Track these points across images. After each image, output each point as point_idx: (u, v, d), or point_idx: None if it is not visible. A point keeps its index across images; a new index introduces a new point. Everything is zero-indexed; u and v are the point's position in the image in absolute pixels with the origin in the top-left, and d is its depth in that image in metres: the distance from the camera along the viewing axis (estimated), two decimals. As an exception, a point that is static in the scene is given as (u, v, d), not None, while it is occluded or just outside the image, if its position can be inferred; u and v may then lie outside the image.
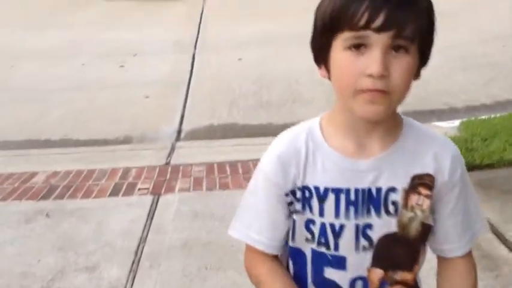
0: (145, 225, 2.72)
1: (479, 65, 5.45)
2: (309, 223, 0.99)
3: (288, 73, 5.48)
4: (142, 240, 2.59)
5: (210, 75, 5.67)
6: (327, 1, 0.90)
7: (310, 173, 0.97)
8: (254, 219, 1.03)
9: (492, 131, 3.60)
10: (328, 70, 0.93)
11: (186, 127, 4.37)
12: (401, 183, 0.96)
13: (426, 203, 0.96)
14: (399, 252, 0.99)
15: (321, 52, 0.93)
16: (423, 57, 0.91)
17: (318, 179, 0.97)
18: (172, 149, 3.78)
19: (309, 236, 1.00)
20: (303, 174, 0.97)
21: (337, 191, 0.96)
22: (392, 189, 0.96)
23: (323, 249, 0.99)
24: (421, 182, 0.96)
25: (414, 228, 0.97)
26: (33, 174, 3.39)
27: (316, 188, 0.97)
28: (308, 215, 0.99)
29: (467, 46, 5.82)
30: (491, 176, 3.07)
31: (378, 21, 0.83)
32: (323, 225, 0.98)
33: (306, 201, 0.98)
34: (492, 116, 4.00)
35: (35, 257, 2.49)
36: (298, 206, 0.99)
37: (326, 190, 0.97)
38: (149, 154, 3.71)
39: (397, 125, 0.98)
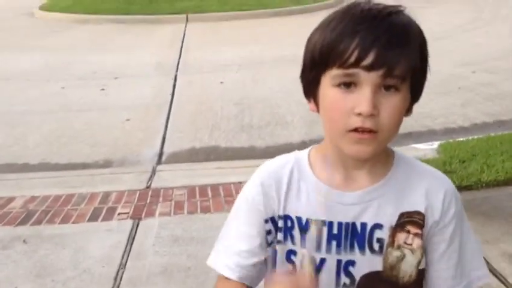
0: (124, 251, 2.67)
1: (456, 89, 5.57)
2: (290, 254, 0.97)
3: (269, 96, 5.52)
4: (122, 266, 2.55)
5: (192, 98, 5.68)
6: (317, 35, 0.88)
7: (293, 202, 0.95)
8: (230, 247, 0.99)
9: (470, 153, 3.66)
10: (317, 104, 0.91)
11: (167, 150, 4.35)
12: (389, 219, 0.92)
13: (416, 242, 0.91)
14: None
15: (310, 87, 0.91)
16: (415, 94, 0.89)
17: (300, 209, 0.94)
18: (153, 172, 3.75)
19: (291, 268, 0.97)
20: (284, 203, 0.95)
21: (319, 223, 0.93)
22: (378, 226, 0.92)
23: None
24: (410, 220, 0.92)
25: (405, 271, 0.92)
26: (11, 199, 3.32)
27: (298, 218, 0.94)
28: (289, 245, 0.96)
29: (445, 70, 5.95)
30: (469, 198, 3.10)
31: (368, 60, 0.81)
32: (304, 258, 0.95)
33: (287, 231, 0.96)
34: (470, 138, 4.07)
35: (12, 284, 2.43)
36: (279, 235, 0.97)
37: (308, 221, 0.94)
38: (130, 178, 3.67)
39: (388, 159, 0.96)
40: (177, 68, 7.02)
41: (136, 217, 3.04)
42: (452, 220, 0.93)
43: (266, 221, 0.96)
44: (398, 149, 1.00)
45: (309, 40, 0.90)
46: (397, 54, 0.82)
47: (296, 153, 1.00)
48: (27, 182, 3.67)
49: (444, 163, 3.49)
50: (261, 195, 0.96)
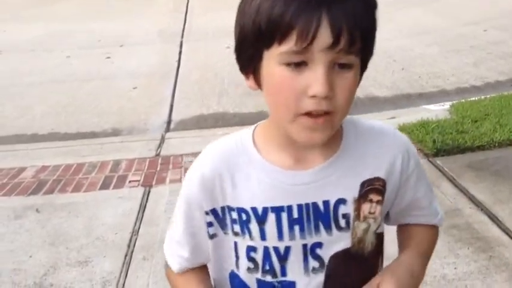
0: (137, 218, 2.69)
1: (468, 47, 5.45)
2: (249, 250, 0.89)
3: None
4: (135, 232, 2.57)
5: (199, 64, 5.62)
6: (257, 3, 0.75)
7: (244, 191, 0.86)
8: (175, 249, 0.94)
9: (482, 112, 3.60)
10: (258, 82, 0.81)
11: (175, 117, 4.33)
12: (351, 192, 0.86)
13: (378, 210, 0.88)
14: (355, 270, 0.89)
15: (249, 63, 0.80)
16: (365, 65, 0.81)
17: (254, 198, 0.86)
18: (162, 139, 3.74)
19: (251, 265, 0.89)
20: (233, 193, 0.86)
21: (277, 210, 0.85)
22: (341, 201, 0.85)
23: (269, 278, 0.89)
24: (371, 188, 0.87)
25: (369, 241, 0.88)
26: (22, 170, 3.34)
27: (253, 209, 0.86)
28: (248, 240, 0.88)
29: (456, 29, 5.81)
30: (482, 158, 3.07)
31: (323, 37, 0.71)
32: (266, 250, 0.87)
33: (244, 225, 0.87)
34: (482, 97, 4.00)
35: (26, 253, 2.46)
36: (236, 227, 0.88)
37: (265, 210, 0.85)
38: (139, 146, 3.67)
39: (339, 130, 0.87)
40: (182, 34, 6.93)
41: (147, 184, 3.05)
42: (414, 170, 0.91)
43: (207, 213, 0.89)
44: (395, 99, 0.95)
45: (244, 9, 0.78)
46: (354, 29, 0.73)
47: (240, 135, 0.90)
48: (37, 152, 3.68)
49: (456, 123, 3.45)
50: (201, 192, 0.87)
